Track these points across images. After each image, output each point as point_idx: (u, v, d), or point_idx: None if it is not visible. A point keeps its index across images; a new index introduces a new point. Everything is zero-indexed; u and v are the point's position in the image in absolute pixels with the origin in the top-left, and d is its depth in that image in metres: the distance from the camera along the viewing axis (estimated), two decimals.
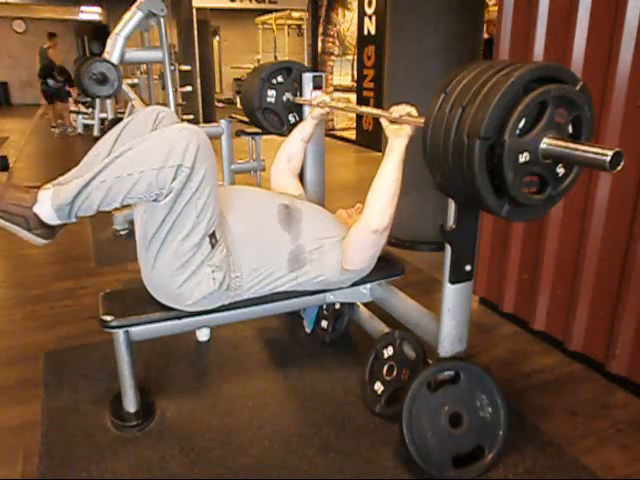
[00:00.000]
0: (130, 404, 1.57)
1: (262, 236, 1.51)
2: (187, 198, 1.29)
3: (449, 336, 1.41)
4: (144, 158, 1.24)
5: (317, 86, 2.00)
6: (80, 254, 3.06)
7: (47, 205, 1.24)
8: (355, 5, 7.80)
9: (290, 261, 1.52)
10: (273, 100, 2.10)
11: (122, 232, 3.38)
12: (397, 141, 1.39)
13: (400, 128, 1.37)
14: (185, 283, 1.40)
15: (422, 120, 1.23)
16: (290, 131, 1.94)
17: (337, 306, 2.02)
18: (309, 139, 1.88)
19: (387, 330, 1.73)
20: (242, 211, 1.53)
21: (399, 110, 1.36)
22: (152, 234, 1.35)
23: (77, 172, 1.33)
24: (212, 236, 1.37)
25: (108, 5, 13.11)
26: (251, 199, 1.60)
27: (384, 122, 1.42)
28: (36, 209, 1.24)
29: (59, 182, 1.29)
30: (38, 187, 1.27)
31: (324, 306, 2.06)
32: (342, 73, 10.31)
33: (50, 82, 8.12)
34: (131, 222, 3.29)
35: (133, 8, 2.90)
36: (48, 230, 1.28)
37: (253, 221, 1.52)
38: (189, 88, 8.28)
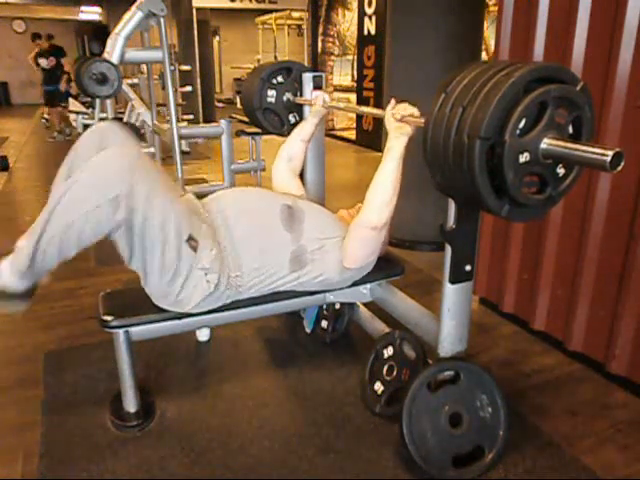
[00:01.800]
0: (130, 404, 1.57)
1: (264, 236, 1.51)
2: (141, 220, 1.27)
3: (449, 336, 1.41)
4: (80, 202, 1.22)
5: (317, 86, 2.00)
6: (80, 254, 3.03)
7: (7, 275, 1.24)
8: (355, 5, 7.80)
9: (292, 261, 1.52)
10: (273, 100, 2.10)
11: None
12: (398, 139, 1.38)
13: (402, 127, 1.37)
14: (182, 291, 1.41)
15: (422, 120, 1.23)
16: (290, 131, 1.94)
17: (337, 306, 2.02)
18: (310, 139, 1.88)
19: (387, 330, 1.73)
20: (244, 211, 1.54)
21: (401, 110, 1.36)
22: (129, 258, 1.36)
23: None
24: (190, 239, 1.35)
25: (108, 5, 13.10)
26: (254, 199, 1.61)
27: (388, 113, 1.41)
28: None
29: (16, 247, 1.28)
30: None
31: (324, 306, 2.06)
32: (342, 73, 10.32)
33: (41, 61, 7.60)
34: None
35: (133, 8, 2.89)
36: (21, 294, 1.27)
37: (255, 221, 1.53)
38: (189, 88, 8.27)
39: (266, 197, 1.63)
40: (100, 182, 1.23)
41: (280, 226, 1.53)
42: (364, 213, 1.49)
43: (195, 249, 1.37)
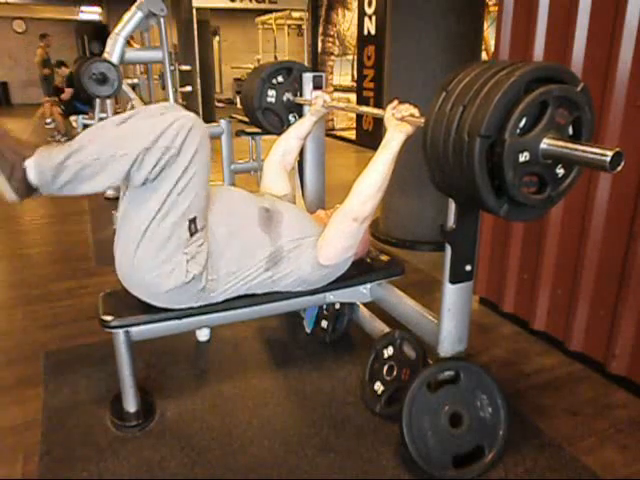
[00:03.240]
0: (130, 404, 1.57)
1: (244, 239, 1.49)
2: (171, 178, 1.27)
3: (449, 336, 1.41)
4: (134, 136, 1.23)
5: (317, 86, 2.00)
6: (80, 254, 3.05)
7: (33, 167, 1.21)
8: (355, 5, 7.80)
9: (269, 261, 1.50)
10: (273, 100, 2.10)
11: None
12: (395, 137, 1.38)
13: (401, 124, 1.37)
14: (160, 267, 1.36)
15: (422, 120, 1.23)
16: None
17: (337, 306, 2.02)
18: (306, 136, 1.88)
19: (387, 330, 1.73)
20: (224, 213, 1.51)
21: (402, 110, 1.36)
22: (134, 219, 1.33)
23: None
24: (192, 222, 1.34)
25: (108, 5, 13.11)
26: (233, 201, 1.58)
27: (388, 111, 1.40)
28: (27, 163, 1.20)
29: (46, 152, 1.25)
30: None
31: (324, 306, 2.06)
32: (342, 73, 10.31)
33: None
34: None
35: (133, 8, 2.89)
36: (26, 189, 1.23)
37: (234, 224, 1.50)
38: (189, 88, 8.27)
39: (245, 199, 1.60)
40: (160, 130, 1.23)
41: (258, 229, 1.51)
42: (347, 203, 1.48)
43: (192, 234, 1.35)
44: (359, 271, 1.73)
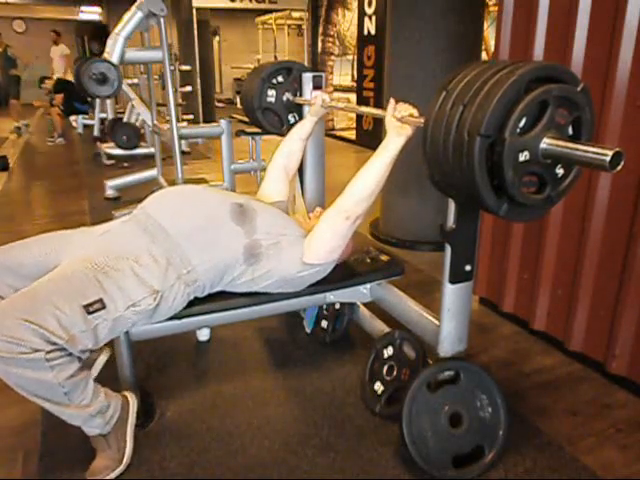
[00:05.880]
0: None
1: (211, 229, 1.47)
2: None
3: (449, 336, 1.41)
4: None
5: (317, 86, 2.00)
6: None
7: None
8: (355, 5, 7.80)
9: (246, 255, 1.47)
10: (273, 100, 2.10)
11: None
12: (396, 140, 1.38)
13: (401, 127, 1.36)
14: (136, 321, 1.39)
15: (422, 120, 1.23)
16: (289, 131, 1.94)
17: (337, 306, 2.02)
18: (308, 137, 1.88)
19: (387, 330, 1.73)
20: (180, 211, 1.50)
21: (402, 110, 1.35)
22: None
23: None
24: (87, 306, 1.27)
25: (108, 5, 13.12)
26: (198, 199, 1.56)
27: (389, 113, 1.39)
28: None
29: None
30: None
31: (324, 306, 2.06)
32: (342, 73, 10.31)
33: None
34: None
35: (133, 8, 2.90)
36: None
37: (197, 218, 1.49)
38: (189, 88, 8.28)
39: (217, 196, 1.58)
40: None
41: (230, 221, 1.48)
42: (340, 201, 1.47)
43: (103, 305, 1.29)
44: (359, 271, 1.73)
